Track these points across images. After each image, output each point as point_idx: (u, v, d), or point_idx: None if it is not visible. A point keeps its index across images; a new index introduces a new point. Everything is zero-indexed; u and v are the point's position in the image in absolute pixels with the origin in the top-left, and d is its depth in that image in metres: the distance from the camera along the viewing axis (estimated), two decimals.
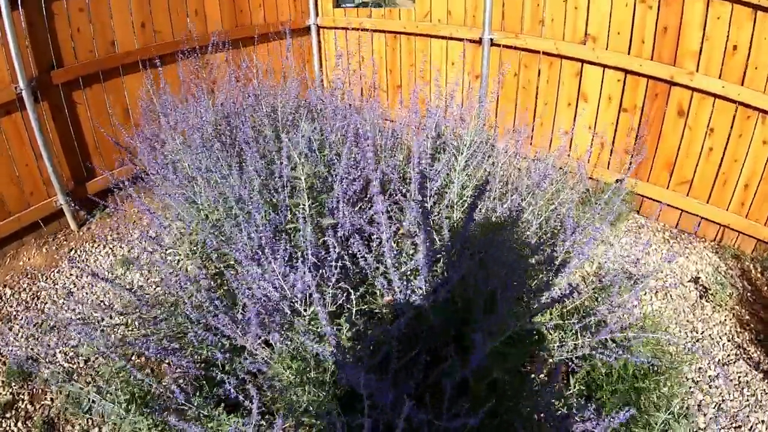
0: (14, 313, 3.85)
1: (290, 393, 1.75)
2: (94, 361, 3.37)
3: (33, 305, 3.91)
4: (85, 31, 4.28)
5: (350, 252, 2.03)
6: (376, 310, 2.04)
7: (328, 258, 1.86)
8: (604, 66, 4.30)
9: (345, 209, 2.02)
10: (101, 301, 3.84)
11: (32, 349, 3.60)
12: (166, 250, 2.52)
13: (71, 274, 4.15)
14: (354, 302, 1.78)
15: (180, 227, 2.59)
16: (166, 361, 2.14)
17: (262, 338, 1.82)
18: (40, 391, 3.34)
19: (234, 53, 5.01)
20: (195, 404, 1.95)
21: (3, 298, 3.98)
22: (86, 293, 3.95)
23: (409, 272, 1.85)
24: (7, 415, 3.24)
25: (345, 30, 5.90)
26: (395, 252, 1.71)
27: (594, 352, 2.31)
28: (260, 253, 1.80)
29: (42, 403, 3.31)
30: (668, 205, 4.35)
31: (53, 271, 4.19)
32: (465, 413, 1.58)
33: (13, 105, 4.02)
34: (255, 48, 5.52)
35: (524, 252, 2.41)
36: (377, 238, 2.05)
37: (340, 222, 2.05)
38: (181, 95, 3.54)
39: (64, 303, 3.88)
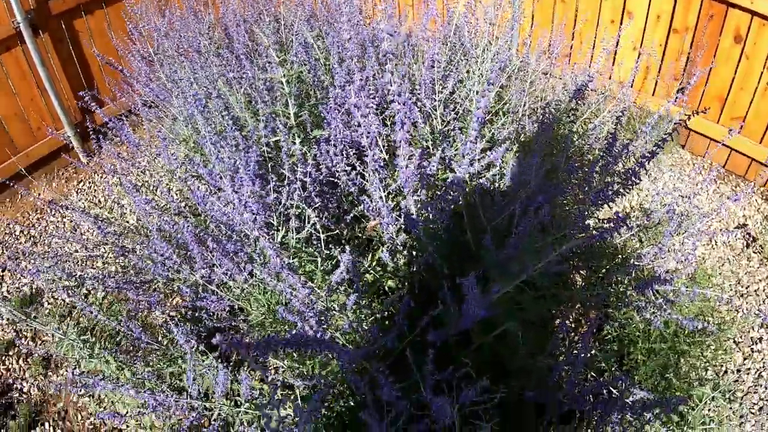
0: (22, 249, 3.64)
1: (256, 333, 1.41)
2: (93, 296, 3.15)
3: (41, 240, 3.69)
4: None
5: (343, 170, 1.64)
6: (363, 236, 1.66)
7: (310, 174, 1.46)
8: None
9: (337, 117, 1.61)
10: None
11: (35, 285, 3.40)
12: (143, 172, 2.17)
13: (79, 206, 3.90)
14: (319, 224, 1.38)
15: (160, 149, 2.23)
16: (128, 297, 1.82)
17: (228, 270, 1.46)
18: (41, 324, 3.16)
19: None
20: (165, 344, 1.65)
21: (13, 235, 3.77)
22: (91, 224, 3.74)
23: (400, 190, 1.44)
24: (10, 353, 3.09)
25: None
26: (382, 165, 1.30)
27: (633, 305, 1.87)
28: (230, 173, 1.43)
29: (43, 339, 3.13)
30: (717, 141, 3.78)
31: (62, 204, 3.96)
32: (457, 380, 1.19)
33: (12, 40, 3.68)
34: None
35: (554, 176, 1.96)
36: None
37: (332, 134, 1.65)
38: (185, 11, 3.13)
39: (72, 236, 3.65)
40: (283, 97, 1.78)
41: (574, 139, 2.29)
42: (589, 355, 2.01)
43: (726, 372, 2.73)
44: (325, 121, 1.90)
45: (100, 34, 4.10)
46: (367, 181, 1.46)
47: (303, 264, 1.49)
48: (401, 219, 1.36)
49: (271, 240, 1.06)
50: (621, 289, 1.96)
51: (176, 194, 2.62)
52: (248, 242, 1.44)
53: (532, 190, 1.46)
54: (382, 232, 1.44)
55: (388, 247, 1.44)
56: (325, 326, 1.19)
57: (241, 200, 1.05)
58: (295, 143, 1.59)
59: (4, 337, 3.17)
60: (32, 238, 3.71)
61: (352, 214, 1.62)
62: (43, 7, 3.75)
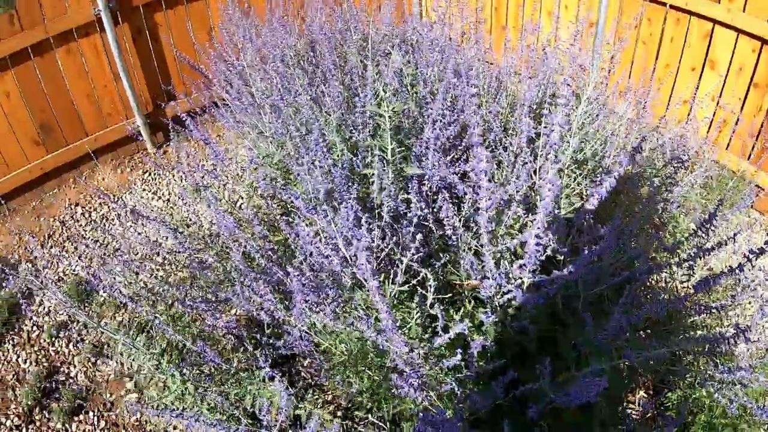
0: (82, 233, 3.68)
1: (341, 373, 1.36)
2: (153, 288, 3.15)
3: (101, 226, 3.72)
4: None
5: (434, 210, 1.59)
6: (456, 287, 1.60)
7: (407, 216, 1.41)
8: (739, 30, 3.52)
9: (435, 158, 1.56)
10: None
11: (93, 271, 3.42)
12: (225, 185, 2.15)
13: (142, 197, 3.93)
14: (432, 286, 1.32)
15: (243, 159, 2.22)
16: (204, 317, 1.79)
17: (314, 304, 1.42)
18: (95, 315, 3.14)
19: None
20: (234, 364, 1.62)
21: (74, 217, 3.81)
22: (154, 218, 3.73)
23: (506, 252, 1.37)
24: (60, 335, 3.11)
25: None
26: (492, 225, 1.24)
27: (707, 384, 1.77)
28: (320, 202, 1.39)
29: (95, 327, 3.14)
30: None
31: (125, 192, 3.98)
32: None
33: (92, 26, 3.75)
34: None
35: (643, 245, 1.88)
36: (470, 199, 1.57)
37: (428, 173, 1.60)
38: (267, 17, 3.12)
39: (133, 226, 3.67)
40: (381, 131, 1.74)
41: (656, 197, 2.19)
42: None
43: None
44: (414, 154, 1.85)
45: (179, 29, 4.14)
46: (466, 230, 1.40)
47: (394, 312, 1.44)
48: (509, 287, 1.29)
49: (388, 305, 1.01)
50: (697, 365, 1.86)
51: (255, 209, 2.56)
52: (344, 285, 1.40)
53: (638, 268, 1.39)
54: (480, 290, 1.38)
55: (490, 308, 1.38)
56: (424, 389, 1.14)
57: (362, 268, 0.99)
58: (388, 179, 1.54)
59: (56, 318, 3.19)
60: (92, 222, 3.74)
61: (442, 260, 1.57)
62: None
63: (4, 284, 3.24)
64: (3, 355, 3.03)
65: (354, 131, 1.89)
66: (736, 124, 3.73)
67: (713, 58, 3.71)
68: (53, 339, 3.10)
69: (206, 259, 1.82)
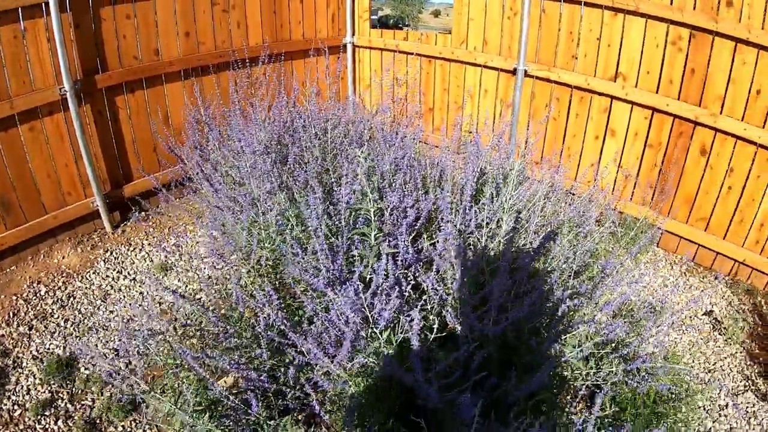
0: (50, 311, 3.99)
1: (356, 404, 1.97)
2: (134, 365, 3.45)
3: (69, 304, 4.07)
4: (131, 37, 4.54)
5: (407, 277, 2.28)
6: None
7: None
8: (633, 103, 4.55)
9: (406, 242, 2.27)
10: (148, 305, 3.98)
11: (69, 349, 3.71)
12: (233, 268, 2.73)
13: (107, 276, 4.35)
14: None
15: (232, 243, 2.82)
16: (238, 375, 2.35)
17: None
18: (80, 391, 3.46)
19: (273, 67, 5.34)
20: (263, 414, 2.17)
21: (38, 295, 4.13)
22: (123, 296, 4.14)
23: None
24: (46, 413, 3.33)
25: (380, 51, 6.23)
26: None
27: (625, 379, 2.54)
28: (333, 282, 2.04)
29: (82, 403, 3.40)
30: (686, 239, 4.62)
31: (89, 271, 4.37)
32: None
33: (56, 106, 4.24)
34: (292, 63, 5.83)
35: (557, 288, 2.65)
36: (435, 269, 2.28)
37: (401, 252, 2.29)
38: (224, 108, 3.75)
39: (102, 304, 4.03)
40: (365, 221, 2.42)
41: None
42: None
43: None
44: (384, 234, 2.55)
45: (139, 112, 4.76)
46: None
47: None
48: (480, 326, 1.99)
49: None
50: (618, 367, 2.64)
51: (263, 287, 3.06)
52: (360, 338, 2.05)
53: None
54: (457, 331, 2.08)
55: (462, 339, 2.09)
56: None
57: (380, 324, 1.64)
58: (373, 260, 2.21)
59: (39, 396, 3.42)
60: (60, 301, 4.10)
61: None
62: (89, 79, 4.37)
63: None
64: None
65: (335, 218, 2.58)
66: (637, 178, 4.70)
67: (613, 127, 4.74)
68: (39, 417, 3.29)
69: (228, 330, 2.38)
